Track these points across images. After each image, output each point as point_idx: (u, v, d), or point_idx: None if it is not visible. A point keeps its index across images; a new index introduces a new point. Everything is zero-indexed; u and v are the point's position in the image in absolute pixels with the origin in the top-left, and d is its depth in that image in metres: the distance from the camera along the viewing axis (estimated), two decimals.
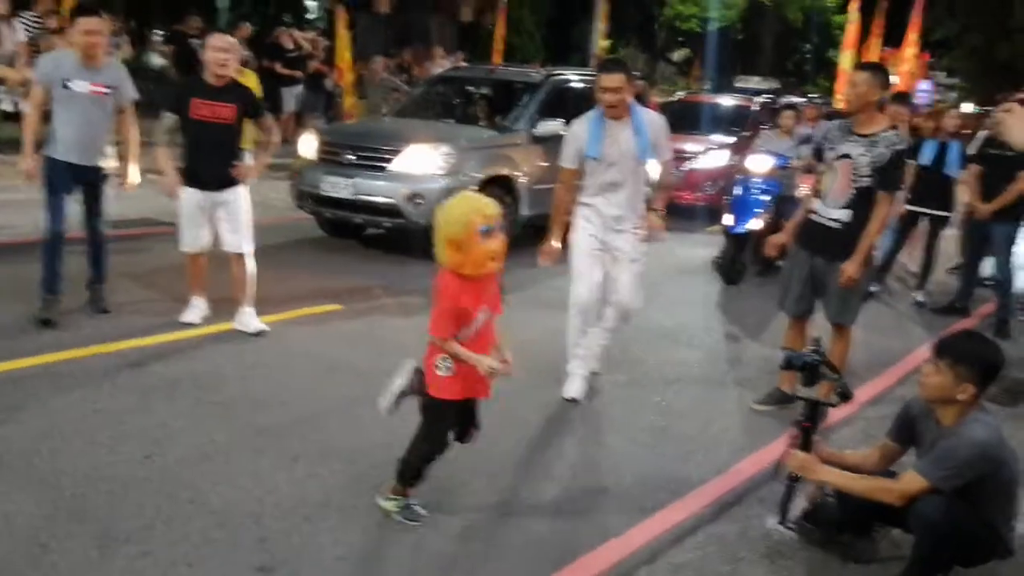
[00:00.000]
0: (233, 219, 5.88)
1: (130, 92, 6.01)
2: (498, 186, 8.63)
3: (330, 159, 8.71)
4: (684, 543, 3.78)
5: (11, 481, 3.79)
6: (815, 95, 15.24)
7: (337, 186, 8.42)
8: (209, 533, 3.53)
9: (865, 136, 4.88)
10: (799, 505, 3.89)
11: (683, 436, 4.92)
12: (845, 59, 17.62)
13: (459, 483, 4.10)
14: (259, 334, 5.90)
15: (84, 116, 5.73)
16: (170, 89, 6.22)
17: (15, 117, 11.86)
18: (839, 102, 19.35)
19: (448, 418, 3.68)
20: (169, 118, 5.81)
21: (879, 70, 5.02)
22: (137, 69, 15.54)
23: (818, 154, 5.18)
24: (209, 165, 5.78)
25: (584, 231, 5.22)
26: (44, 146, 5.81)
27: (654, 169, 5.35)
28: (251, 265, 5.97)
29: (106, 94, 5.79)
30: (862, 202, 4.89)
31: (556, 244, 5.28)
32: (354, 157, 8.52)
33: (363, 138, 8.88)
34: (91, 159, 5.85)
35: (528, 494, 4.13)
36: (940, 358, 3.43)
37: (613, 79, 5.00)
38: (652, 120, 5.24)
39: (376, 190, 8.31)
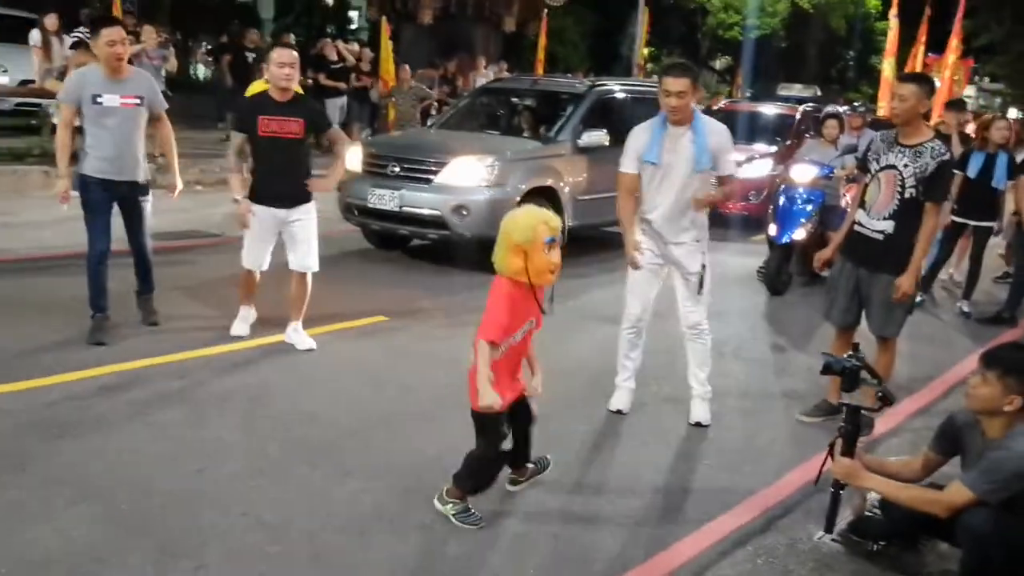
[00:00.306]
0: (303, 238, 5.87)
1: (160, 100, 5.99)
2: (542, 197, 8.66)
3: (376, 171, 8.79)
4: (733, 555, 3.75)
5: (68, 496, 3.86)
6: (857, 103, 15.03)
7: (383, 198, 8.49)
8: (264, 548, 3.57)
9: (910, 147, 4.84)
10: (845, 516, 3.86)
11: (730, 448, 4.89)
12: (887, 66, 17.44)
13: (509, 495, 4.12)
14: (308, 351, 5.92)
15: (118, 130, 5.69)
16: (234, 107, 6.34)
17: None
18: (882, 109, 19.15)
19: (498, 422, 3.75)
20: (237, 137, 5.82)
21: (925, 80, 4.96)
22: (183, 81, 15.90)
23: (863, 165, 5.13)
24: (281, 182, 5.76)
25: (640, 245, 5.13)
26: (77, 164, 5.83)
27: (709, 184, 5.10)
28: (310, 284, 6.00)
29: (137, 105, 5.76)
30: (906, 213, 4.84)
31: (634, 252, 5.08)
32: (400, 169, 8.59)
33: (409, 150, 8.96)
34: (127, 173, 5.79)
35: (576, 506, 4.13)
36: (988, 369, 3.40)
37: (678, 83, 4.80)
38: (715, 130, 5.00)
39: (422, 202, 8.37)
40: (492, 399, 3.53)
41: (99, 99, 5.62)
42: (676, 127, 4.93)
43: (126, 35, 5.77)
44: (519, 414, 3.91)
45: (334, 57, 15.18)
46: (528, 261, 3.57)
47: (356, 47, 16.47)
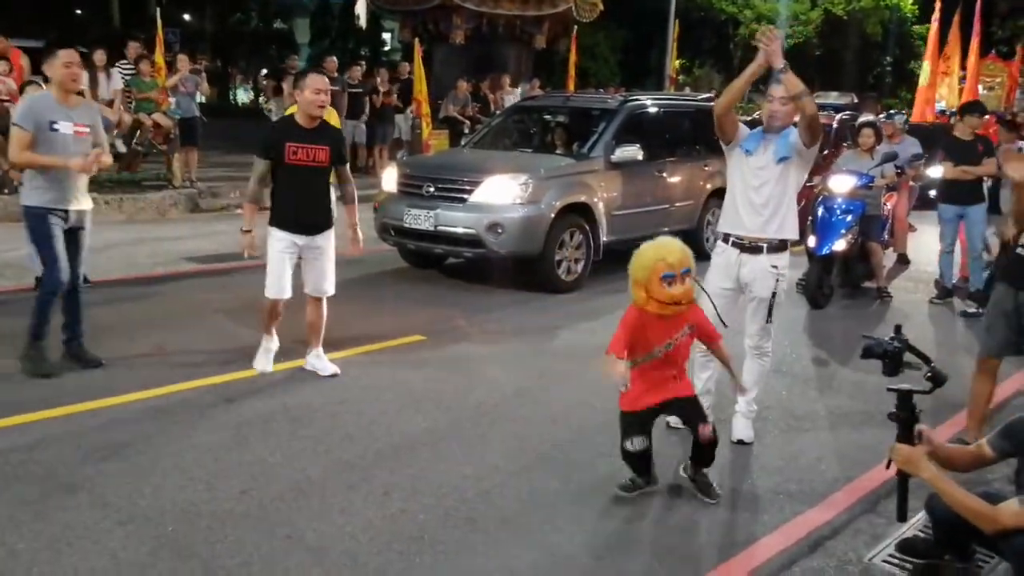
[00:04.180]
0: (322, 264, 5.80)
1: (103, 133, 5.87)
2: (577, 213, 8.68)
3: (411, 191, 8.86)
4: None
5: (116, 518, 3.92)
6: (893, 111, 14.86)
7: (419, 218, 8.55)
8: (307, 571, 3.59)
9: None
10: (895, 536, 3.79)
11: (773, 467, 4.83)
12: (924, 72, 17.33)
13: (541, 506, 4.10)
14: (333, 376, 5.86)
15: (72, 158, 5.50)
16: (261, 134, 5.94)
17: (113, 158, 12.40)
18: (915, 115, 18.95)
19: (629, 426, 4.21)
20: (261, 164, 5.66)
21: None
22: (222, 105, 16.25)
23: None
24: (304, 210, 5.68)
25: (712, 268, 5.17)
26: (22, 194, 5.69)
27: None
28: (326, 309, 5.93)
29: (87, 134, 5.64)
30: None
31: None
32: (434, 189, 8.65)
33: (443, 170, 9.02)
34: (76, 202, 5.65)
35: (616, 530, 4.10)
36: None
37: (777, 89, 4.83)
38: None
39: (457, 221, 8.41)
40: (610, 371, 3.99)
41: (55, 126, 5.48)
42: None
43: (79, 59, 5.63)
44: (686, 413, 4.30)
45: (352, 80, 15.34)
46: (649, 294, 4.02)
47: (391, 70, 16.61)
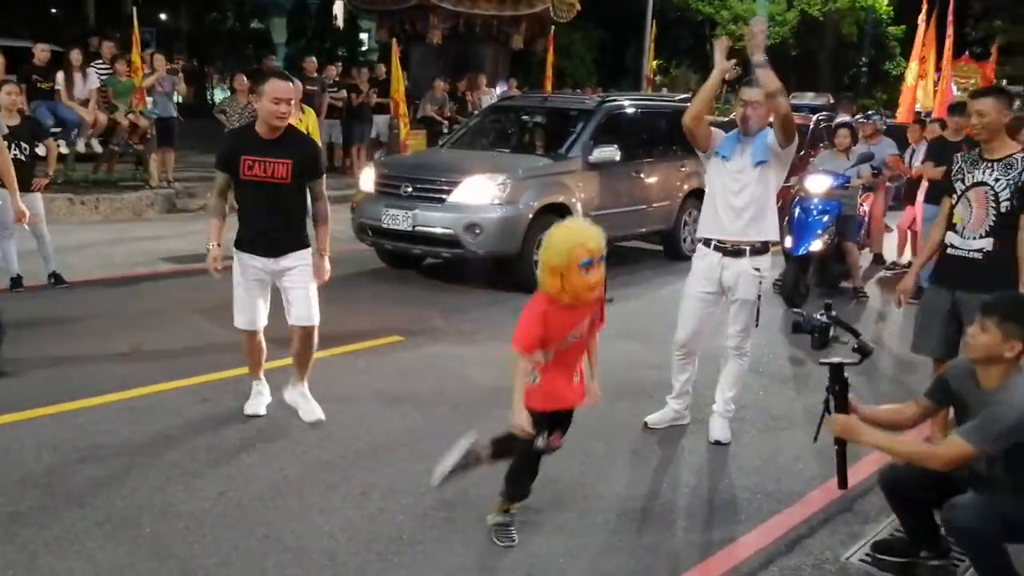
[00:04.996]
0: (300, 287, 4.95)
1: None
2: (555, 213, 8.69)
3: (389, 191, 8.85)
4: None
5: (92, 518, 3.90)
6: (871, 111, 15.00)
7: (397, 218, 8.55)
8: (285, 570, 3.59)
9: (998, 160, 4.75)
10: (871, 536, 3.83)
11: (751, 467, 4.86)
12: (911, 72, 17.50)
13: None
14: (316, 424, 5.06)
15: None
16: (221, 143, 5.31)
17: (89, 158, 12.34)
18: (900, 116, 19.09)
19: (536, 426, 3.70)
20: (220, 176, 4.94)
21: (1001, 93, 4.90)
22: (199, 104, 16.14)
23: (950, 187, 4.95)
24: (266, 229, 4.90)
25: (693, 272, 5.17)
26: None
27: None
28: (316, 340, 5.15)
29: None
30: (1003, 228, 4.72)
31: None
32: (412, 189, 8.65)
33: (421, 170, 9.02)
34: None
35: (593, 529, 4.11)
36: (987, 317, 3.44)
37: (750, 92, 4.88)
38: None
39: (435, 221, 8.42)
40: (520, 421, 3.59)
41: None
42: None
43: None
44: (554, 426, 3.87)
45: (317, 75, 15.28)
46: (565, 282, 3.60)
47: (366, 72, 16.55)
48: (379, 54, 25.63)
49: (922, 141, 10.17)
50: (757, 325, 5.09)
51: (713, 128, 5.11)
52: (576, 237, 3.62)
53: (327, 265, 5.02)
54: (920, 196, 9.38)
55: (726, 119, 12.63)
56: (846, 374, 3.71)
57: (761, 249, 5.02)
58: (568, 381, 3.85)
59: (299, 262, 4.96)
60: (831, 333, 3.85)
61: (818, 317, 3.88)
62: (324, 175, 5.10)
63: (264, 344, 5.19)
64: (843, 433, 3.66)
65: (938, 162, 8.55)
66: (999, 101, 4.75)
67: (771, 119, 4.87)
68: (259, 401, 5.23)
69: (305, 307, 4.97)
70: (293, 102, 4.89)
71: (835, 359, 3.74)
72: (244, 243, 4.94)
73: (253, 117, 5.10)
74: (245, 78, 11.81)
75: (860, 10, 33.53)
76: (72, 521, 3.87)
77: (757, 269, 4.98)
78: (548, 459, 4.71)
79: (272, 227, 4.91)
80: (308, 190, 4.97)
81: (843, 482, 3.84)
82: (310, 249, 5.02)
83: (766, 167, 4.90)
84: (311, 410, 5.11)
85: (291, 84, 4.88)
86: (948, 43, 17.66)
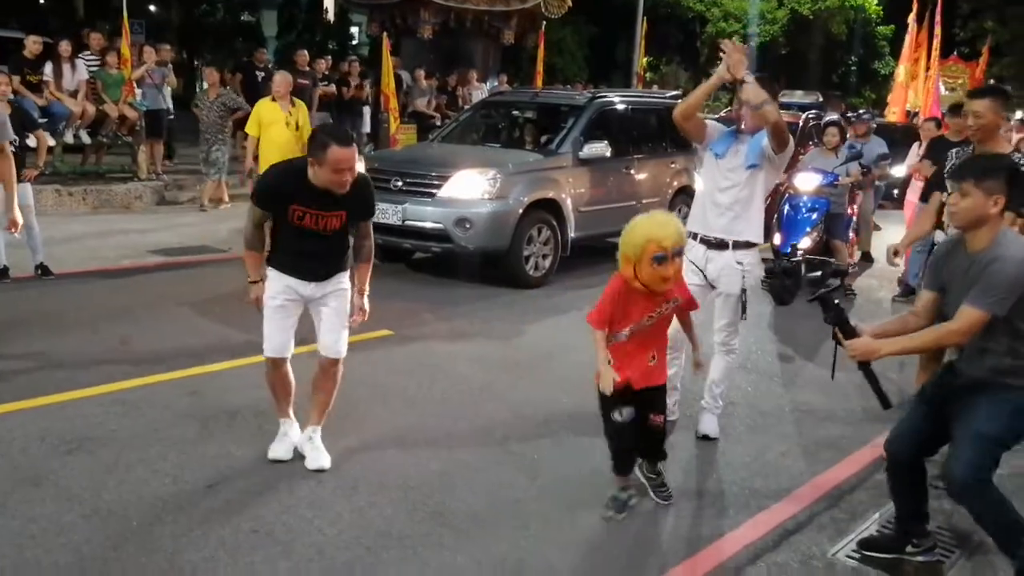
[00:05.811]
0: (336, 314, 4.53)
1: (8, 132, 5.64)
2: (545, 209, 8.70)
3: (379, 185, 8.79)
4: (744, 573, 3.75)
5: (79, 511, 3.88)
6: (862, 110, 15.06)
7: (387, 212, 8.52)
8: (274, 564, 3.58)
9: None
10: (858, 531, 3.85)
11: (739, 463, 4.88)
12: (902, 71, 17.60)
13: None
14: (319, 471, 4.47)
15: None
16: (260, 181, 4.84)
17: (77, 149, 12.28)
18: (894, 114, 19.17)
19: (610, 401, 3.97)
20: (256, 211, 4.38)
21: (999, 93, 4.94)
22: (190, 98, 16.07)
23: (940, 182, 5.00)
24: (309, 261, 4.44)
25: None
26: None
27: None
28: (340, 376, 4.69)
29: None
30: None
31: None
32: (402, 183, 8.64)
33: (411, 164, 9.01)
34: None
35: (582, 524, 4.11)
36: (962, 182, 3.46)
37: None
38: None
39: (425, 215, 8.42)
40: (606, 381, 3.83)
41: None
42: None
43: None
44: (642, 404, 4.05)
45: (306, 70, 15.25)
46: (637, 271, 3.83)
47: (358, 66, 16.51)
48: (370, 48, 25.58)
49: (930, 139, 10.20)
50: (744, 318, 5.09)
51: (708, 121, 5.11)
52: (653, 232, 3.78)
53: (367, 306, 4.67)
54: (909, 195, 9.43)
55: (716, 117, 12.66)
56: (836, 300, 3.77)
57: (744, 245, 5.03)
58: (644, 361, 4.03)
59: (337, 286, 4.54)
60: (802, 273, 3.89)
61: (787, 262, 3.95)
62: (375, 215, 4.72)
63: (292, 377, 4.64)
64: (864, 355, 3.62)
65: (935, 162, 8.60)
66: (995, 102, 4.78)
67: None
68: (284, 444, 4.63)
69: (334, 337, 4.55)
70: (353, 165, 4.17)
71: (820, 291, 3.79)
72: (284, 266, 4.46)
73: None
74: (215, 71, 12.41)
75: (850, 9, 33.67)
76: (59, 514, 3.85)
77: (740, 263, 4.99)
78: (535, 453, 4.74)
79: (316, 261, 4.47)
80: (358, 232, 4.59)
81: (886, 403, 3.75)
82: (347, 273, 4.61)
83: (757, 171, 4.92)
84: (317, 459, 4.52)
85: (354, 150, 4.16)
86: (936, 43, 17.77)
